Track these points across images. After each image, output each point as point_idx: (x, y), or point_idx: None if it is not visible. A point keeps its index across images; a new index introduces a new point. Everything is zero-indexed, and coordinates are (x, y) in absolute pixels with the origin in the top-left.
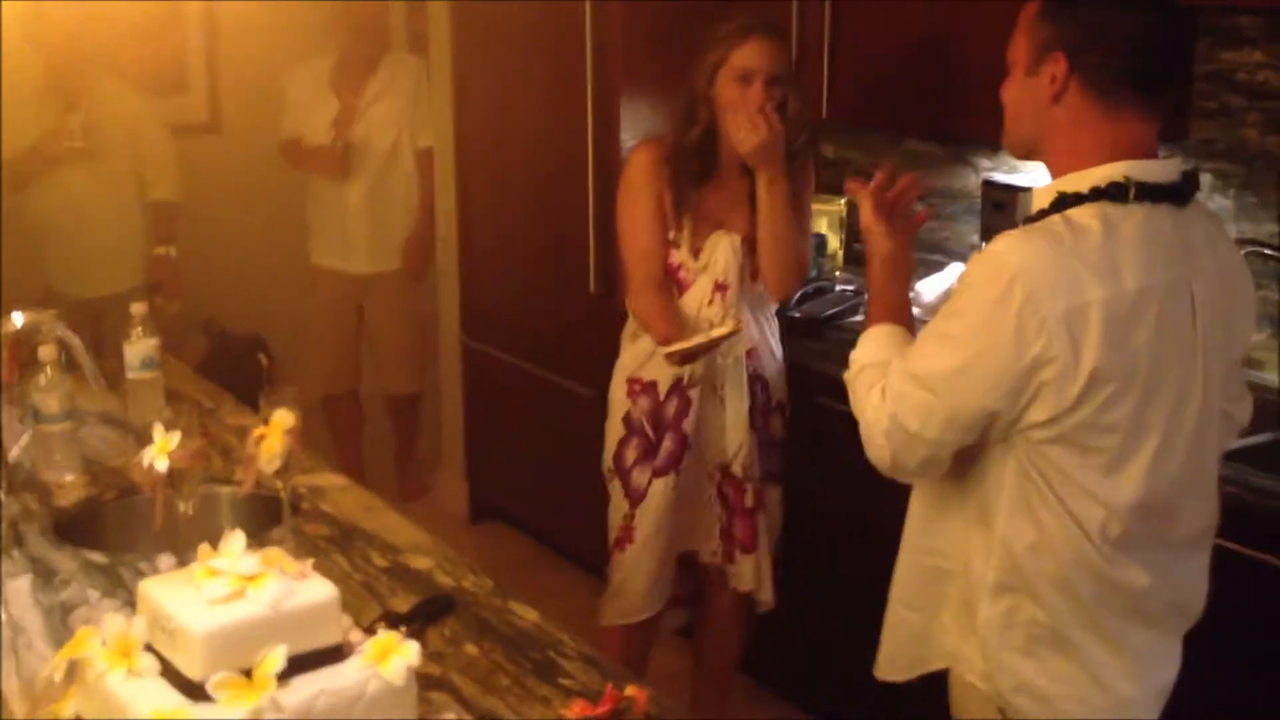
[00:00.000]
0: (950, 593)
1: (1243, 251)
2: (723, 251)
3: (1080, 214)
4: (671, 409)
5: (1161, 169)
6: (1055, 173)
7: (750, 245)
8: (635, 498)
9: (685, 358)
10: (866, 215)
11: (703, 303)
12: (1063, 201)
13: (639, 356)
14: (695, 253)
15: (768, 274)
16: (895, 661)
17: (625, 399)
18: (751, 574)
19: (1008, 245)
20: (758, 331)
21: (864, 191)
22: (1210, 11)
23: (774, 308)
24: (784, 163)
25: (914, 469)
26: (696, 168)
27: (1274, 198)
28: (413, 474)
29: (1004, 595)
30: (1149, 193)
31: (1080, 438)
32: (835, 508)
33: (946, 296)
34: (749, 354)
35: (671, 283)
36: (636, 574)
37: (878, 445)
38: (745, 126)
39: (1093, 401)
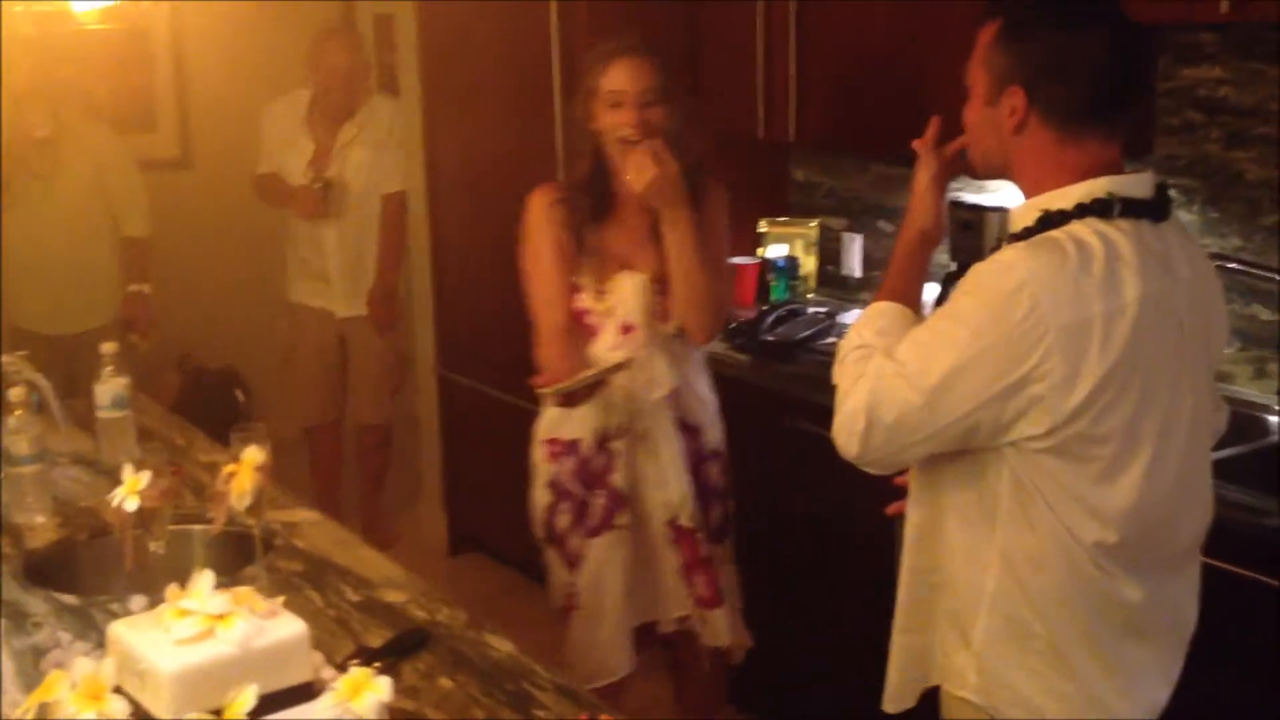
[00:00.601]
0: (945, 606)
1: None
2: (629, 292)
3: (1078, 229)
4: (599, 464)
5: (1138, 184)
6: (1028, 193)
7: (662, 284)
8: (573, 562)
9: (567, 398)
10: (924, 179)
11: (612, 347)
12: (1048, 219)
13: (556, 415)
14: (600, 295)
15: (683, 316)
16: (903, 693)
17: (547, 462)
18: (723, 628)
19: (1016, 256)
20: (677, 376)
21: (932, 152)
22: (1169, 28)
23: (698, 351)
24: (684, 197)
25: (877, 461)
26: (592, 205)
27: (1236, 212)
28: (382, 520)
29: (1001, 607)
30: (1132, 207)
31: (1075, 448)
32: (814, 532)
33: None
34: (670, 399)
35: (580, 329)
36: (591, 641)
37: (849, 431)
38: (633, 167)
39: (1089, 413)
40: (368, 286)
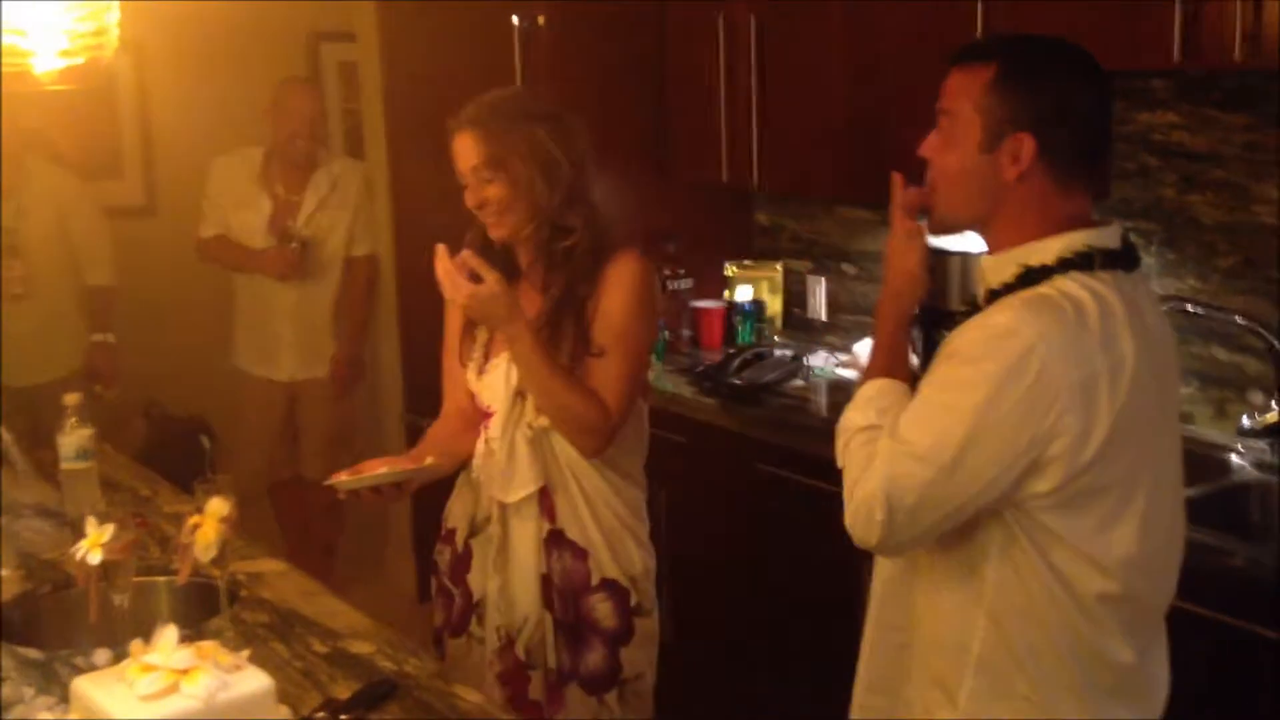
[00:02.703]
0: (923, 665)
1: (1166, 307)
2: (498, 373)
3: (1065, 285)
4: (464, 561)
5: (1110, 235)
6: (1000, 245)
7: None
8: (441, 658)
9: (352, 494)
10: (899, 243)
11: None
12: (1029, 274)
13: (450, 499)
14: (481, 374)
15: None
16: None
17: (437, 548)
18: None
19: (1016, 318)
20: (538, 479)
21: (902, 212)
22: (1122, 74)
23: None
24: (513, 310)
25: (899, 546)
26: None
27: (1193, 254)
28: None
29: (988, 669)
30: (1109, 259)
31: (1078, 500)
32: (780, 580)
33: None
34: (544, 507)
35: (476, 413)
36: None
37: (867, 521)
38: (448, 285)
39: (1098, 466)
40: (323, 350)
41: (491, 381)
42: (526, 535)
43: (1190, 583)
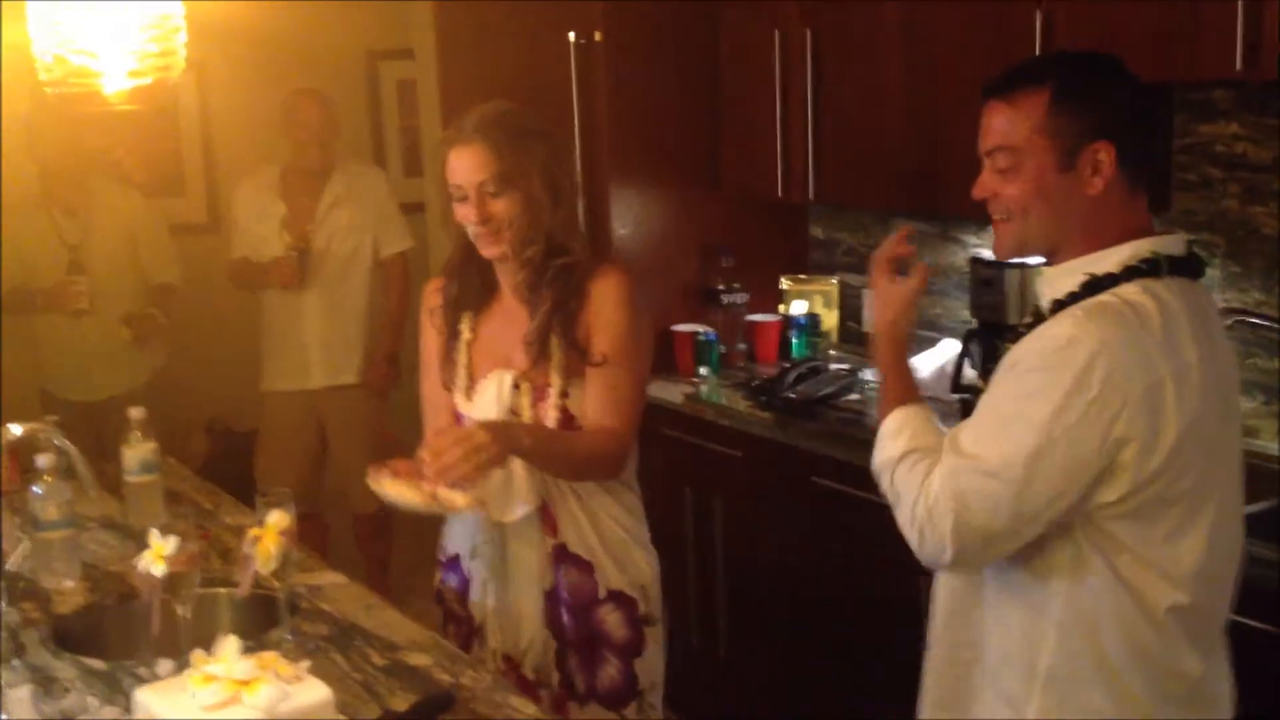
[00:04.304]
0: (991, 683)
1: (1230, 321)
2: (491, 394)
3: (1128, 292)
4: (464, 585)
5: (1174, 243)
6: (1063, 258)
7: (537, 385)
8: None
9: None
10: (911, 290)
11: None
12: (1094, 283)
13: (446, 527)
14: (470, 396)
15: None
16: None
17: (437, 576)
18: None
19: (1080, 328)
20: (539, 496)
21: (886, 254)
22: (1183, 86)
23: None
24: (515, 440)
25: (969, 563)
26: (466, 295)
27: (1257, 266)
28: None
29: (1057, 685)
30: (1175, 266)
31: (1148, 510)
32: (835, 593)
33: (941, 374)
34: (546, 522)
35: None
36: None
37: (936, 539)
38: (437, 470)
39: (1167, 475)
40: (349, 356)
41: (482, 402)
42: (528, 553)
43: (1255, 598)
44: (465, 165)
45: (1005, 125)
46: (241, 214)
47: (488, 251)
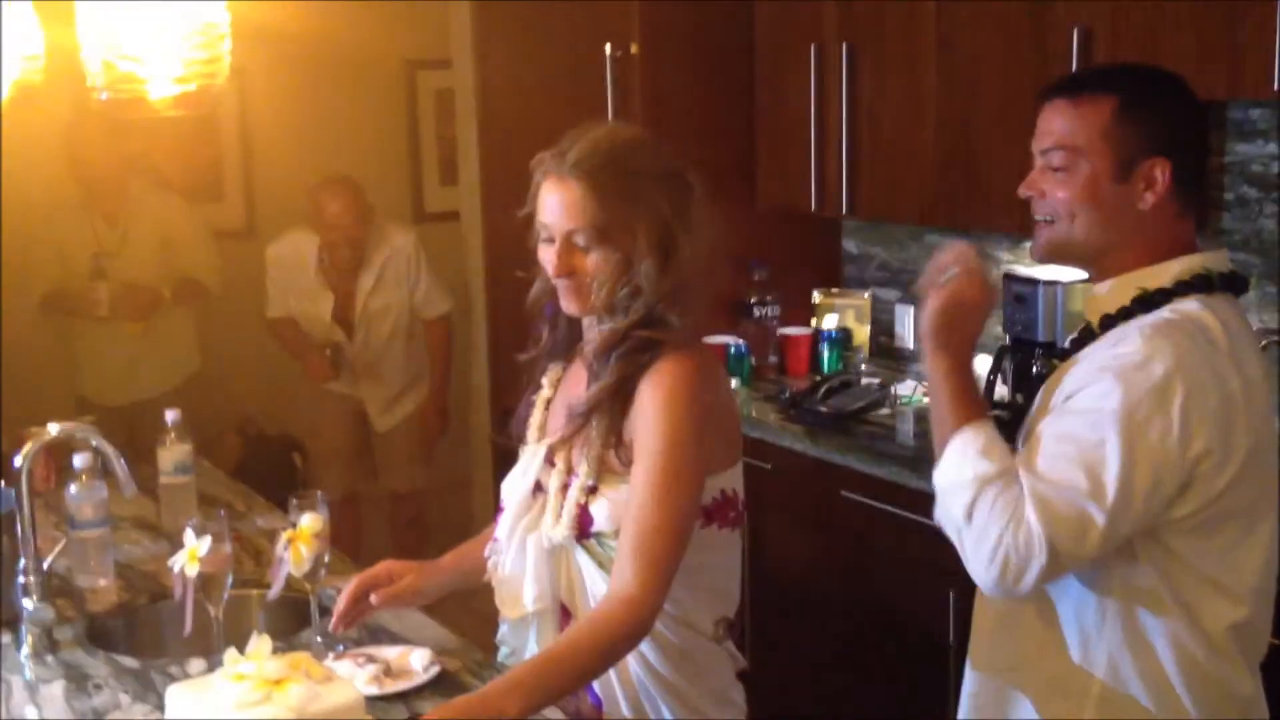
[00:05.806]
0: (1025, 709)
1: (1265, 341)
2: (521, 464)
3: (1186, 308)
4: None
5: (1220, 260)
6: (1109, 272)
7: (569, 470)
8: None
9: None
10: (980, 295)
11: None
12: (1146, 298)
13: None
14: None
15: None
16: None
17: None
18: None
19: (1150, 345)
20: (547, 598)
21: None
22: (1221, 105)
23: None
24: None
25: (1038, 589)
26: (549, 344)
27: None
28: None
29: (1110, 708)
30: (1225, 283)
31: (1211, 524)
32: (864, 608)
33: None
34: (563, 626)
35: None
36: None
37: (1018, 569)
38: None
39: (1236, 489)
40: (397, 403)
41: (514, 475)
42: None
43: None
44: (555, 206)
45: (1067, 125)
46: (278, 278)
47: (567, 307)
